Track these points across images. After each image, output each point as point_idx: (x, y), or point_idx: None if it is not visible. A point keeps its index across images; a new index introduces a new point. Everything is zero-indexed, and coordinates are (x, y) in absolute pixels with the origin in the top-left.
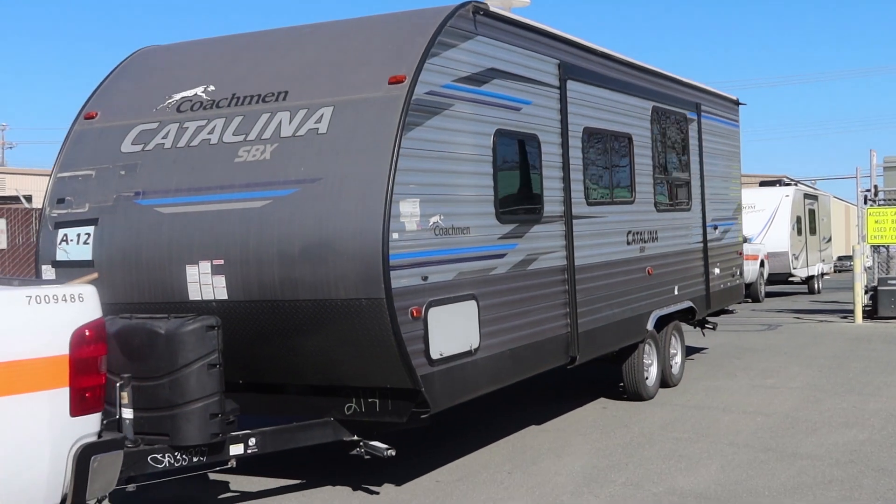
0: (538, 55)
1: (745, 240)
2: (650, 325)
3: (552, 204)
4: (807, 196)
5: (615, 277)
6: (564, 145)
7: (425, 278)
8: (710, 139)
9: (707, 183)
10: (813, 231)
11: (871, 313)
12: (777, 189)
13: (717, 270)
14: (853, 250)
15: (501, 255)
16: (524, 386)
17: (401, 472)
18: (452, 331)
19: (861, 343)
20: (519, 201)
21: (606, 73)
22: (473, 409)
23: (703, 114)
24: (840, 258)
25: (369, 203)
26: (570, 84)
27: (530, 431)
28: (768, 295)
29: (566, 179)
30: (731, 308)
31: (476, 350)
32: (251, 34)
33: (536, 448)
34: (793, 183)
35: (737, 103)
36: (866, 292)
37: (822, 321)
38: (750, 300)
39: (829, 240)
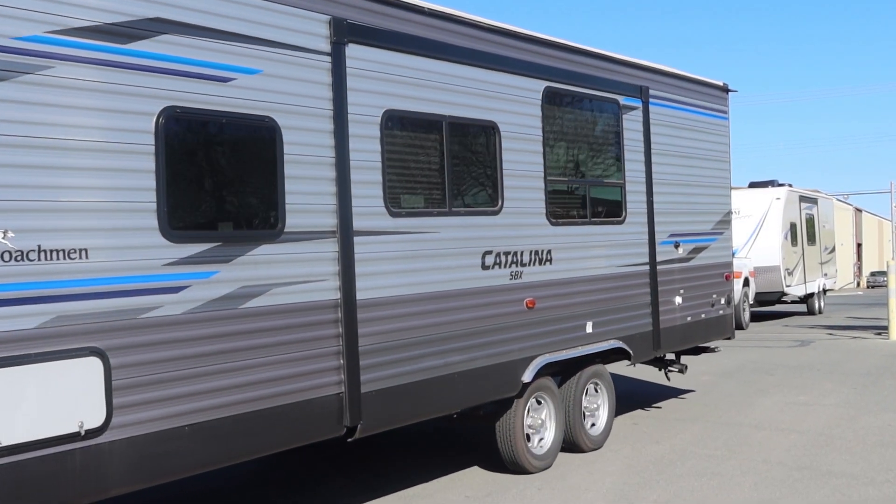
0: (281, 4)
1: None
2: (528, 376)
3: (306, 215)
4: (803, 199)
5: (452, 314)
6: (341, 134)
7: None
8: (666, 133)
9: (660, 189)
10: (812, 240)
11: None
12: (767, 191)
13: (677, 300)
14: (888, 266)
15: (174, 290)
16: None
17: (430, 487)
18: (33, 405)
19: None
20: (223, 211)
21: (440, 39)
22: None
23: (653, 101)
24: (873, 273)
25: None
26: (354, 49)
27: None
28: (757, 318)
29: (342, 181)
30: (713, 346)
31: (97, 430)
32: None
33: (566, 464)
34: (786, 184)
35: (724, 90)
36: None
37: (855, 337)
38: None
39: (833, 250)
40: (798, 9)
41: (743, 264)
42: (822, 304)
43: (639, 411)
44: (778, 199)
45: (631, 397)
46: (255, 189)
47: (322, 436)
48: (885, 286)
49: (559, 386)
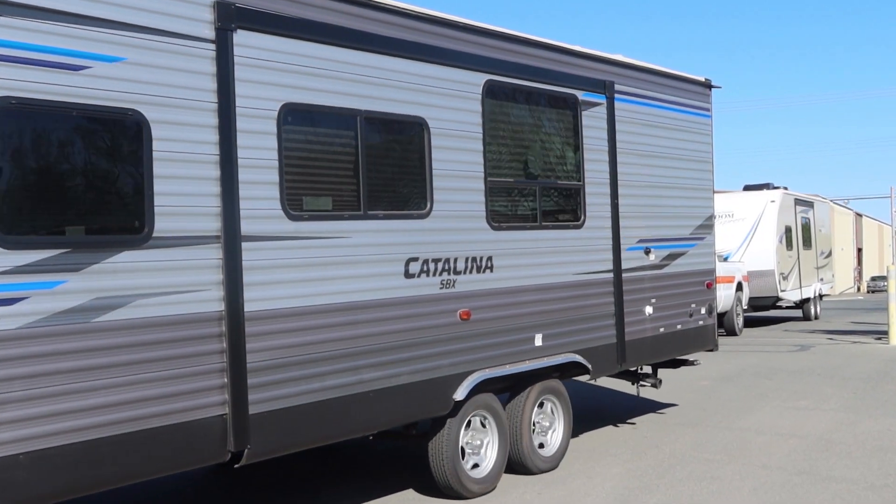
0: None
1: (722, 258)
2: (462, 393)
3: (181, 218)
4: (799, 202)
5: (367, 327)
6: (227, 129)
7: None
8: (635, 132)
9: (627, 191)
10: (807, 244)
11: None
12: (761, 194)
13: (648, 310)
14: (888, 271)
15: (8, 301)
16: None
17: (428, 489)
18: None
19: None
20: (73, 214)
21: (353, 27)
22: None
23: (619, 97)
24: (874, 278)
25: None
26: (244, 36)
27: None
28: (751, 324)
29: (228, 181)
30: (691, 359)
31: None
32: None
33: (567, 468)
34: (782, 187)
35: (706, 86)
36: None
37: (855, 342)
38: (724, 333)
39: (829, 255)
40: (795, 10)
41: (736, 268)
42: (819, 309)
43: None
44: (773, 202)
45: (630, 403)
46: (114, 190)
47: (202, 462)
48: (886, 291)
49: (507, 403)
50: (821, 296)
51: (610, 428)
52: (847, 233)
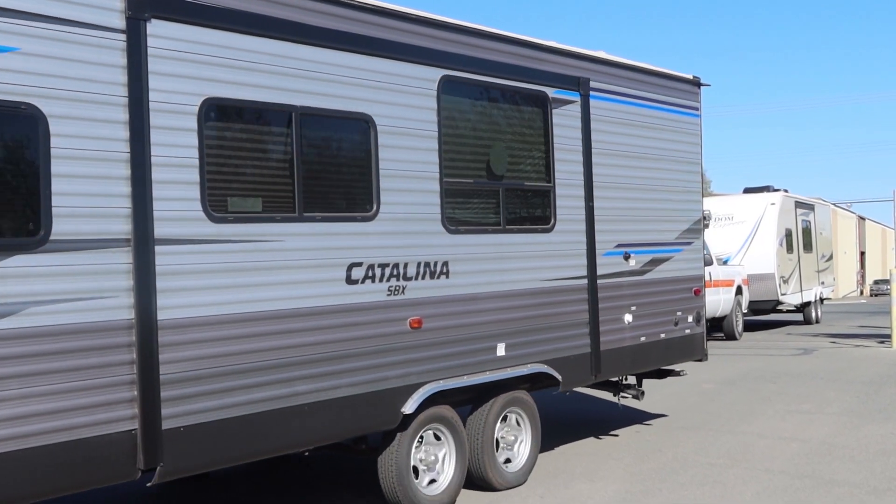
0: None
1: (721, 261)
2: (411, 406)
3: (84, 220)
4: (799, 205)
5: (301, 336)
6: (139, 125)
7: None
8: (614, 131)
9: (604, 193)
10: (808, 248)
11: None
12: (761, 196)
13: (627, 318)
14: (890, 274)
15: None
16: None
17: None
18: None
19: None
20: None
21: (287, 17)
22: None
23: (595, 94)
24: (877, 282)
25: None
26: (159, 26)
27: (562, 454)
28: (752, 328)
29: (140, 181)
30: (677, 369)
31: None
32: None
33: (569, 472)
34: (782, 189)
35: (694, 84)
36: None
37: (858, 346)
38: (724, 337)
39: (830, 258)
40: (797, 13)
41: (736, 272)
42: (820, 313)
43: (640, 422)
44: (773, 204)
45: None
46: (4, 190)
47: (108, 480)
48: (889, 294)
49: (469, 415)
50: (822, 299)
51: (612, 432)
52: (850, 236)
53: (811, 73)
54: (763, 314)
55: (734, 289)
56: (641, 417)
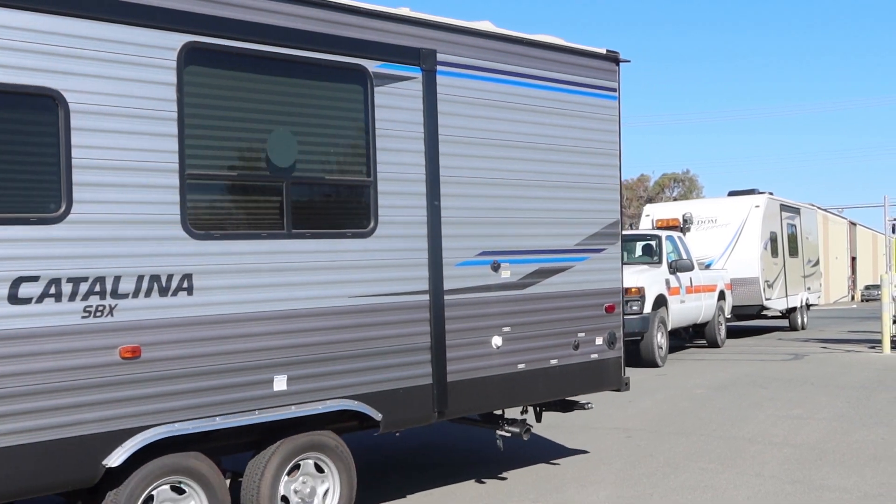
0: None
1: (704, 265)
2: (120, 457)
3: None
4: (785, 208)
5: None
6: None
7: None
8: (475, 115)
9: (458, 191)
10: (794, 252)
11: None
12: (745, 199)
13: (496, 341)
14: (881, 279)
15: None
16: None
17: (419, 500)
18: None
19: (889, 373)
20: None
21: None
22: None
23: (444, 70)
24: (867, 287)
25: None
26: None
27: (554, 460)
28: (736, 334)
29: None
30: (582, 401)
31: None
32: None
33: (561, 477)
34: (767, 192)
35: (611, 60)
36: (895, 322)
37: (849, 351)
38: (706, 344)
39: (816, 263)
40: (785, 18)
41: (719, 276)
42: (806, 319)
43: (632, 426)
44: (757, 206)
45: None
46: None
47: None
48: (879, 300)
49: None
50: (808, 305)
51: (604, 437)
52: (841, 241)
53: (804, 79)
54: (747, 319)
55: (716, 294)
56: (631, 422)
